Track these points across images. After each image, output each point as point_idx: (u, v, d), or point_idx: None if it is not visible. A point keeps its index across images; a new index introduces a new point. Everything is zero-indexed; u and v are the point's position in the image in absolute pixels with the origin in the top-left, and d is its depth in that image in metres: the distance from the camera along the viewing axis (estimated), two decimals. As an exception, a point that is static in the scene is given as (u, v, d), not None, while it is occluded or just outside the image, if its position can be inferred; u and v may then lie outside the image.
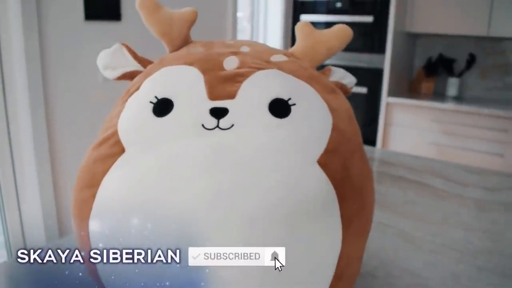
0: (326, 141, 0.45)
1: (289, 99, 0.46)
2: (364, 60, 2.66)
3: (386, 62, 2.56)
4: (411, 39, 2.77)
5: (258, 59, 0.50)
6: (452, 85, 2.65)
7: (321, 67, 0.57)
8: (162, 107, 0.46)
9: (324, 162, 0.44)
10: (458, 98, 2.62)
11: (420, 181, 1.08)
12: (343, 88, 0.56)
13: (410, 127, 2.58)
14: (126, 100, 0.50)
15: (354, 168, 0.47)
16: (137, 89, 0.50)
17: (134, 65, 0.54)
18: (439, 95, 2.71)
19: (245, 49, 0.53)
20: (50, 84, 1.61)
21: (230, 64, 0.49)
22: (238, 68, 0.49)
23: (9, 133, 1.57)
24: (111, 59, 0.54)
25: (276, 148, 0.43)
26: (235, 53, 0.51)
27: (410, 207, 0.93)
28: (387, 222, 0.84)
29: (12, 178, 1.60)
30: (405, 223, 0.84)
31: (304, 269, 0.44)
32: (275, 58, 0.52)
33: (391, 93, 2.61)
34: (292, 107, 0.46)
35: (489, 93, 2.65)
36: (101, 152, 0.47)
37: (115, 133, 0.47)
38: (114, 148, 0.46)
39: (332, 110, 0.48)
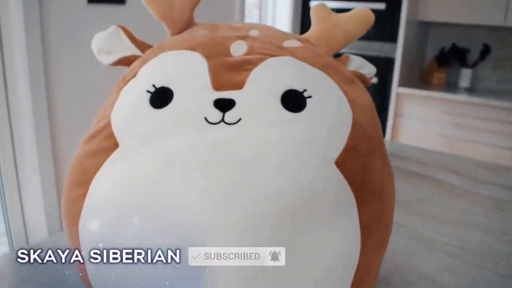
0: (345, 138, 0.40)
1: (304, 90, 0.41)
2: (374, 48, 2.59)
3: (398, 51, 2.49)
4: (423, 28, 2.69)
5: (269, 45, 0.45)
6: (465, 76, 2.58)
7: (337, 56, 0.51)
8: (160, 97, 0.41)
9: (342, 162, 0.39)
10: (471, 90, 2.54)
11: (433, 177, 1.03)
12: (361, 78, 0.50)
13: (421, 119, 2.51)
14: (122, 89, 0.45)
15: (375, 169, 0.42)
16: (134, 76, 0.45)
17: (131, 50, 0.49)
18: (451, 86, 2.64)
19: (254, 32, 0.48)
20: (51, 70, 1.56)
21: (238, 49, 0.44)
22: (246, 54, 0.44)
23: (10, 125, 1.53)
24: (107, 43, 0.49)
25: (288, 146, 0.38)
26: (243, 37, 0.46)
27: (424, 206, 0.88)
28: (401, 222, 0.79)
29: (14, 170, 1.57)
30: (419, 223, 0.80)
31: (316, 278, 0.39)
32: (287, 43, 0.47)
33: (402, 83, 2.54)
34: (308, 100, 0.41)
35: (503, 85, 2.58)
36: (92, 146, 0.42)
37: (108, 125, 0.42)
38: (107, 142, 0.41)
39: (352, 103, 0.43)
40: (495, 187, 0.99)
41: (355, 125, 0.41)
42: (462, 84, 2.59)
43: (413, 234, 0.75)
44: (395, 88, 2.53)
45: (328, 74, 0.44)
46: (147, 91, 0.42)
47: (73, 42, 1.59)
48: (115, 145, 0.41)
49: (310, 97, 0.41)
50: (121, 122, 0.42)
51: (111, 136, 0.41)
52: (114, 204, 0.38)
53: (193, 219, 0.36)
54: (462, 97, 2.39)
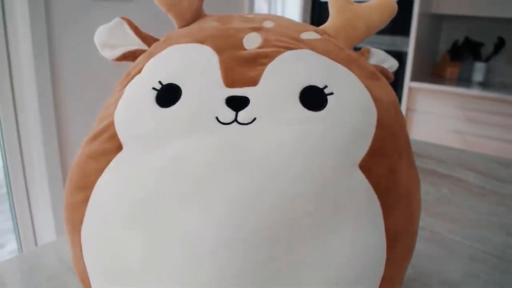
0: (370, 140, 0.37)
1: (325, 87, 0.37)
2: (386, 42, 2.53)
3: (410, 45, 2.44)
4: (436, 21, 2.64)
5: (285, 37, 0.41)
6: (478, 70, 2.52)
7: (355, 49, 0.48)
8: (167, 95, 0.38)
9: (367, 166, 0.36)
10: (484, 84, 2.49)
11: (452, 176, 0.99)
12: (384, 73, 0.47)
13: (433, 114, 2.46)
14: (126, 85, 0.42)
15: (402, 173, 0.38)
16: (139, 72, 0.42)
17: (136, 43, 0.46)
18: (464, 80, 2.58)
19: (268, 24, 0.44)
20: (58, 68, 1.54)
21: (251, 42, 0.40)
22: (260, 47, 0.40)
23: (17, 124, 1.50)
24: (110, 36, 0.46)
25: (309, 148, 0.34)
26: (256, 29, 0.42)
27: (444, 206, 0.84)
28: (420, 224, 0.75)
29: (21, 170, 1.55)
30: (439, 225, 0.76)
31: None
32: (305, 35, 0.43)
33: (414, 78, 2.49)
34: (329, 97, 0.37)
35: (518, 79, 2.52)
36: (94, 148, 0.39)
37: (111, 125, 0.39)
38: (110, 144, 0.38)
39: (376, 100, 0.39)
40: (516, 187, 0.95)
41: (380, 124, 0.38)
42: (476, 78, 2.53)
43: (433, 237, 0.72)
44: (408, 83, 2.48)
45: (350, 69, 0.40)
46: (153, 88, 0.38)
47: (80, 39, 1.56)
48: (119, 147, 0.38)
49: (331, 94, 0.37)
50: (124, 122, 0.38)
51: (114, 137, 0.38)
52: (118, 212, 0.35)
53: (204, 229, 0.33)
54: (475, 92, 2.33)
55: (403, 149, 0.39)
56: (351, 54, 0.42)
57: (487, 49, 2.52)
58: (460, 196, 0.89)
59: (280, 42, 0.40)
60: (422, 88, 2.47)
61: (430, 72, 2.75)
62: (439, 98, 2.44)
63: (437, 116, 2.46)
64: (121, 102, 0.40)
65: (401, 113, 0.42)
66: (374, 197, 0.36)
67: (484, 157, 1.16)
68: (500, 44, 2.46)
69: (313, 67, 0.38)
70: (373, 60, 0.47)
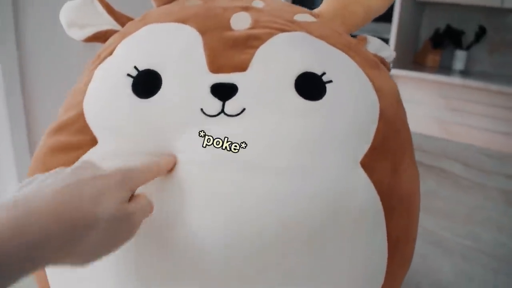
0: (372, 134, 0.33)
1: (323, 73, 0.33)
2: (367, 29, 2.50)
3: (393, 32, 2.42)
4: (418, 8, 2.62)
5: (278, 18, 0.37)
6: (459, 59, 2.51)
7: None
8: (146, 83, 0.33)
9: (369, 164, 0.32)
10: (465, 73, 2.49)
11: (439, 167, 0.97)
12: (383, 63, 0.43)
13: (415, 102, 2.46)
14: (96, 68, 0.36)
15: (404, 171, 0.35)
16: (110, 53, 0.36)
17: (108, 23, 0.40)
18: (445, 68, 2.58)
19: (258, 3, 0.39)
20: (26, 59, 1.43)
21: (240, 22, 0.36)
22: (250, 28, 0.35)
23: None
24: (78, 14, 0.40)
25: (305, 143, 0.30)
26: (246, 8, 0.37)
27: (432, 200, 0.82)
28: (409, 218, 0.72)
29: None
30: (429, 220, 0.73)
31: None
32: (299, 17, 0.38)
33: (396, 65, 2.47)
34: (327, 85, 0.32)
35: (498, 68, 2.53)
36: (60, 140, 0.34)
37: (80, 116, 0.34)
38: (80, 136, 0.33)
39: (378, 91, 0.35)
40: (502, 178, 0.94)
41: (383, 117, 0.34)
42: (457, 67, 2.53)
43: (424, 234, 0.69)
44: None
45: (350, 56, 0.36)
46: (128, 74, 0.33)
47: (49, 16, 1.47)
48: (91, 141, 0.33)
49: (330, 81, 0.33)
50: (97, 113, 0.33)
51: (85, 129, 0.33)
52: None
53: (190, 234, 0.29)
54: (456, 80, 2.33)
55: (406, 145, 0.36)
56: (350, 40, 0.38)
57: (468, 37, 2.51)
58: (446, 189, 0.87)
59: (272, 23, 0.36)
60: (404, 75, 2.45)
61: (412, 59, 2.74)
62: (420, 86, 2.42)
63: (419, 103, 2.45)
64: (91, 89, 0.35)
65: (402, 105, 0.38)
66: (377, 198, 0.32)
67: (468, 147, 1.15)
68: (481, 33, 2.45)
69: (310, 51, 0.34)
70: (370, 49, 0.43)
